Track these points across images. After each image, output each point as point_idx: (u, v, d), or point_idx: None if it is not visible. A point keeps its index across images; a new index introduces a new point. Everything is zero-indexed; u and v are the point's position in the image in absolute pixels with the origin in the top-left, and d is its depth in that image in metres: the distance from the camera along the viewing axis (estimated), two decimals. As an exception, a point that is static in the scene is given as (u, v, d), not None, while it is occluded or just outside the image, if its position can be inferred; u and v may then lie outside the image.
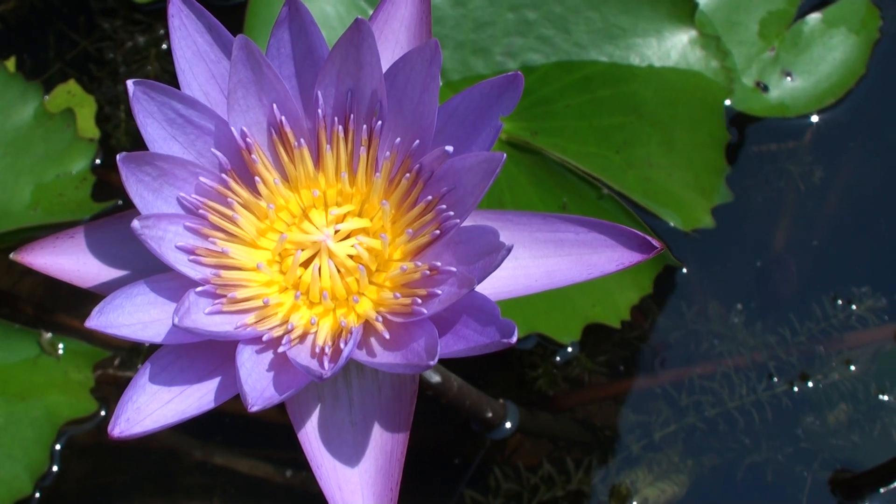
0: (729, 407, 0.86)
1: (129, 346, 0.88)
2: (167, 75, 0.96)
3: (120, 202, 0.92)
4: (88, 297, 0.91)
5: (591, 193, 0.86)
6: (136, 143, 0.94)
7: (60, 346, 0.86)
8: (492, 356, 0.86)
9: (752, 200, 0.92)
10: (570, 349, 0.87)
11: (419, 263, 0.53)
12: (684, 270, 0.89)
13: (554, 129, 0.88)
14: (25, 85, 0.90)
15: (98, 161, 0.93)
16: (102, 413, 0.86)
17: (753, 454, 0.85)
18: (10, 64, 0.94)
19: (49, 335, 0.86)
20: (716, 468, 0.85)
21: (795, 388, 0.86)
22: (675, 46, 0.89)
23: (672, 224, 0.87)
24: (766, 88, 0.92)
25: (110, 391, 0.88)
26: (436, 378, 0.70)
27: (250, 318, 0.53)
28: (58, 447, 0.86)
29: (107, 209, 0.90)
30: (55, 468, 0.85)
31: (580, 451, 0.86)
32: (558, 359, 0.87)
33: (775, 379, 0.86)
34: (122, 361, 0.88)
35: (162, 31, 0.97)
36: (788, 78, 0.92)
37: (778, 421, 0.85)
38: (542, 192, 0.86)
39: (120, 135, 0.94)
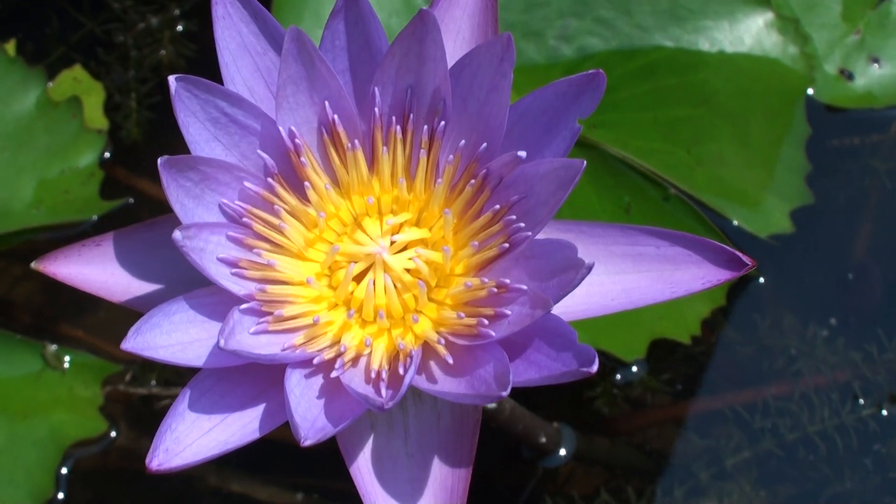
0: (809, 431, 0.86)
1: (142, 359, 0.89)
2: (182, 60, 0.97)
3: (131, 200, 0.93)
4: (92, 305, 0.92)
5: (655, 194, 0.86)
6: (148, 134, 0.95)
7: (66, 358, 0.87)
8: None
9: (834, 201, 0.92)
10: (634, 368, 0.88)
11: (485, 279, 0.53)
12: (761, 280, 0.89)
13: (614, 121, 0.88)
14: (27, 71, 0.91)
15: (107, 155, 0.94)
16: (112, 434, 0.88)
17: (835, 484, 0.85)
18: (10, 47, 0.95)
19: (54, 347, 0.87)
20: (793, 499, 0.86)
21: (884, 412, 0.86)
22: (749, 30, 0.90)
23: (746, 228, 0.87)
24: (850, 76, 0.92)
25: (120, 410, 0.89)
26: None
27: (299, 339, 0.54)
28: (64, 471, 0.87)
29: (116, 208, 0.91)
30: (60, 494, 0.86)
31: (641, 479, 0.87)
32: (618, 377, 0.88)
33: (861, 401, 0.87)
34: (133, 377, 0.89)
35: (177, 12, 0.97)
36: (875, 64, 0.92)
37: (863, 447, 0.86)
38: (602, 192, 0.87)
39: (130, 125, 0.95)
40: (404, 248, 0.55)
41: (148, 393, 0.88)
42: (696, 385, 0.89)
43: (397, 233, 0.55)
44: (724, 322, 0.90)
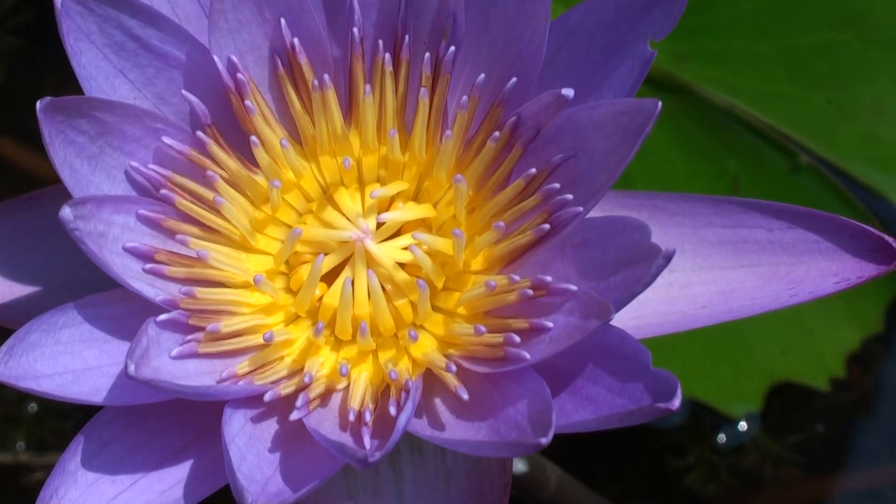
0: None
1: (7, 411, 0.92)
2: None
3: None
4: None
5: (779, 162, 0.88)
6: (15, 72, 0.98)
7: None
8: (613, 434, 0.88)
9: None
10: (742, 424, 0.90)
11: (516, 277, 0.57)
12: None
13: (716, 53, 0.90)
14: None
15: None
16: (-41, 525, 0.90)
17: None
18: None
19: None
20: None
21: None
22: (920, -88, 0.92)
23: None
24: None
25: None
26: (519, 465, 0.73)
27: (243, 365, 0.57)
28: None
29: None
30: None
31: None
32: (722, 438, 0.90)
33: None
34: (-11, 439, 0.92)
35: None
36: None
37: None
38: (695, 158, 0.89)
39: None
40: (397, 233, 0.59)
41: (13, 461, 0.91)
42: (840, 451, 0.91)
43: (386, 210, 0.59)
44: (883, 357, 0.91)
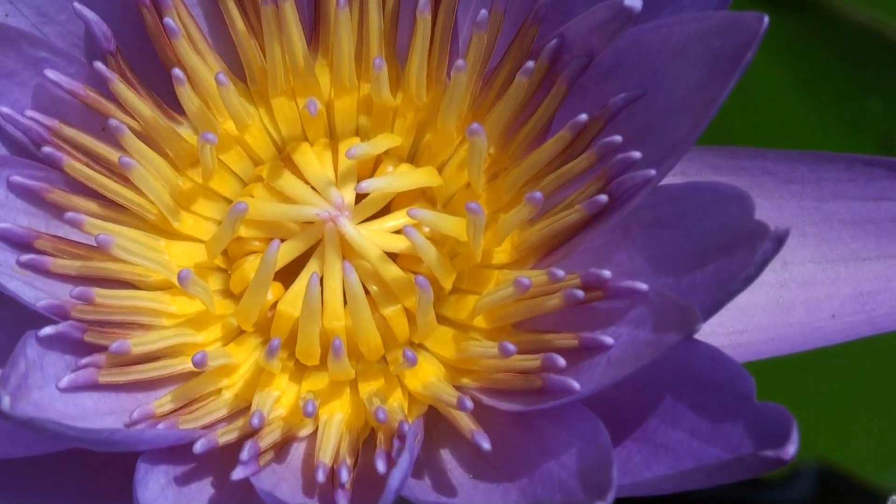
0: None
1: None
2: None
3: None
4: None
5: None
6: None
7: None
8: (701, 499, 0.88)
9: None
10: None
11: (559, 273, 0.56)
12: None
13: None
14: None
15: None
16: None
17: None
18: None
19: None
20: None
21: None
22: None
23: None
24: None
25: None
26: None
27: (163, 402, 0.57)
28: None
29: None
30: None
31: None
32: None
33: None
34: None
35: None
36: None
37: None
38: (823, 101, 0.89)
39: None
40: (386, 210, 0.59)
41: None
42: None
43: (370, 177, 0.59)
44: None
